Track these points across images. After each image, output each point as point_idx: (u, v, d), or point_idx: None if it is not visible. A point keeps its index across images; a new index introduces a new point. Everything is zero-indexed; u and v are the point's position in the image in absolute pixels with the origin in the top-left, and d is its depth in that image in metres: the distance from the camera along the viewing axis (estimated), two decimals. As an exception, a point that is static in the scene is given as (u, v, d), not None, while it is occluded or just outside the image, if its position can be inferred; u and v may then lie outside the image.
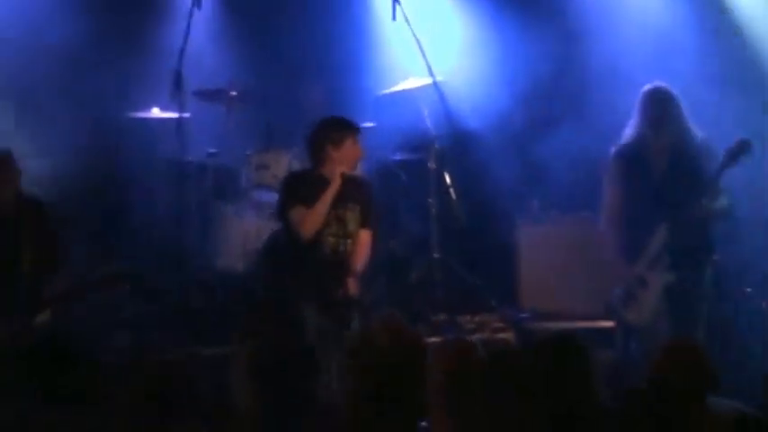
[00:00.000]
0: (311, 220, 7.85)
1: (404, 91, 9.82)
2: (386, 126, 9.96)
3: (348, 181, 7.98)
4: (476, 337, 8.20)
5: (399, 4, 9.36)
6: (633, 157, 7.90)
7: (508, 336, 8.74)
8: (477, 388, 4.52)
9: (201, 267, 9.50)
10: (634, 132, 7.91)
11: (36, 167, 8.44)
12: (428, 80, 9.46)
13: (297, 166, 9.26)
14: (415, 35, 9.32)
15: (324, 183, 7.88)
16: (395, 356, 4.34)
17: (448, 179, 9.37)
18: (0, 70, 9.77)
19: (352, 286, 7.94)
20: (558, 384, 4.54)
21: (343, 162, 7.90)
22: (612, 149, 7.99)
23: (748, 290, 9.12)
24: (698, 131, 7.84)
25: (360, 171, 9.12)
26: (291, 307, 5.70)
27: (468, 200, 9.49)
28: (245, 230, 9.43)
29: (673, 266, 7.71)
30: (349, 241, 7.98)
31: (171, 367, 4.77)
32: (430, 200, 9.51)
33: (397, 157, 9.99)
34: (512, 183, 9.82)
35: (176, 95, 9.19)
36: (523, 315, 9.22)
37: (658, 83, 7.94)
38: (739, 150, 7.55)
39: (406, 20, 9.32)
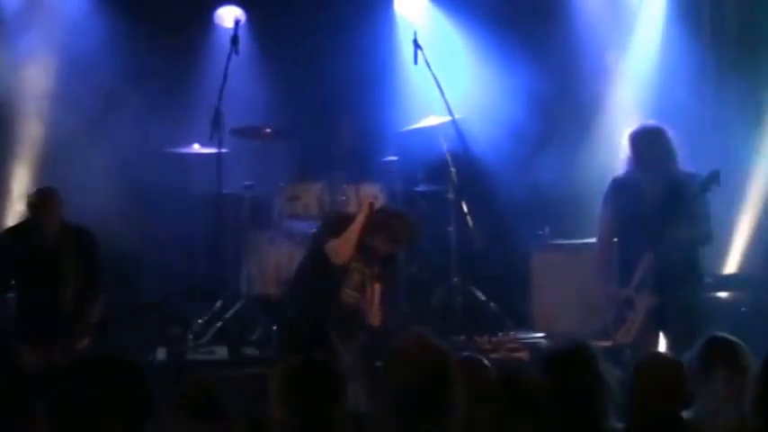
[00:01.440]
0: (347, 241, 8.07)
1: (425, 127, 9.85)
2: (408, 160, 10.07)
3: (378, 251, 8.18)
4: (492, 356, 7.81)
5: (421, 49, 9.38)
6: (625, 192, 7.88)
7: (523, 355, 8.65)
8: (487, 403, 4.49)
9: (237, 293, 9.57)
10: (626, 168, 7.89)
11: (82, 199, 8.63)
12: (447, 118, 9.47)
13: (326, 197, 9.44)
14: (435, 77, 9.35)
15: None
16: (425, 369, 4.31)
17: (465, 208, 9.38)
18: (56, 104, 10.00)
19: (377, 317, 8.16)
20: (567, 396, 4.51)
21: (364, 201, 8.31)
22: (610, 181, 8.01)
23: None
24: (685, 167, 7.79)
25: (384, 201, 9.37)
26: (321, 329, 5.74)
27: (485, 228, 9.45)
28: (278, 258, 9.54)
29: (656, 290, 7.72)
30: (356, 294, 8.18)
31: (208, 385, 4.84)
32: (450, 228, 9.61)
33: (419, 188, 10.05)
34: (525, 211, 9.88)
35: (215, 132, 9.20)
36: (537, 336, 9.24)
37: (648, 122, 7.97)
38: (710, 180, 7.54)
39: (427, 63, 9.35)
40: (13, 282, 7.92)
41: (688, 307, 7.71)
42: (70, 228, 7.89)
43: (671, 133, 7.85)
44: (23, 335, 7.58)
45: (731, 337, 5.16)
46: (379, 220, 8.20)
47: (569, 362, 4.69)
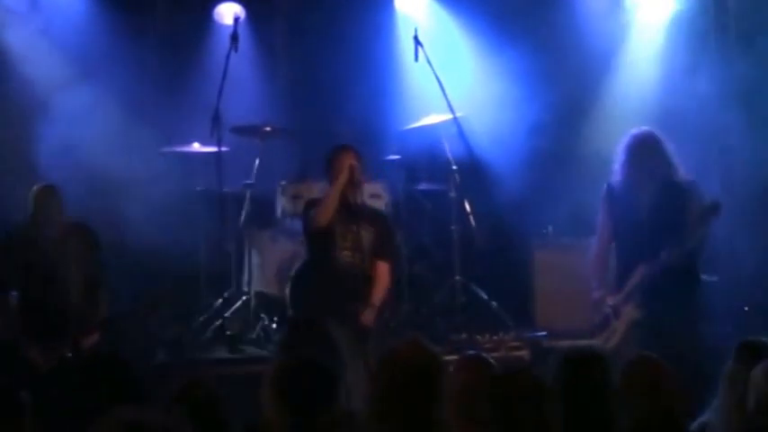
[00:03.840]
0: (324, 205, 8.10)
1: (426, 126, 9.81)
2: (410, 158, 10.07)
3: (366, 208, 8.17)
4: (493, 355, 8.11)
5: (422, 46, 9.34)
6: (619, 200, 7.87)
7: (524, 353, 8.66)
8: (489, 400, 4.42)
9: (238, 292, 9.55)
10: (621, 173, 7.84)
11: (83, 196, 8.63)
12: (449, 116, 9.42)
13: None
14: (436, 74, 9.29)
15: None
16: (415, 372, 4.33)
17: (468, 207, 9.34)
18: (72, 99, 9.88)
19: (369, 317, 8.01)
20: (576, 396, 4.49)
21: (344, 168, 8.16)
22: (605, 185, 7.98)
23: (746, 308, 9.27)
24: (684, 173, 7.77)
25: (387, 200, 9.29)
26: (321, 326, 5.67)
27: (487, 226, 9.44)
28: (279, 256, 9.51)
29: (641, 305, 7.73)
30: (358, 255, 8.09)
31: (204, 384, 4.84)
32: (452, 227, 9.57)
33: (422, 186, 10.03)
34: (528, 210, 9.82)
35: (215, 131, 9.16)
36: (538, 334, 9.23)
37: (645, 128, 7.87)
38: (710, 212, 7.55)
39: (428, 60, 9.30)
40: (15, 281, 7.84)
41: (671, 335, 7.55)
42: (72, 225, 7.85)
43: (667, 141, 7.79)
44: (29, 333, 7.56)
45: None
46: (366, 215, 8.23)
47: (587, 366, 4.63)
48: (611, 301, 7.86)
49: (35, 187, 7.91)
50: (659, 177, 7.73)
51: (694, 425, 4.95)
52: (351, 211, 8.17)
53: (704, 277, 8.88)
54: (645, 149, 7.74)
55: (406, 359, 4.39)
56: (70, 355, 7.42)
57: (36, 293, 7.70)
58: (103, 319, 7.82)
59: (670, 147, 7.76)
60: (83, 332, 7.64)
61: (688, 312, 7.77)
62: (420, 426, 4.26)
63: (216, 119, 9.17)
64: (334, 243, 8.16)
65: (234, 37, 9.33)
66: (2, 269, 7.75)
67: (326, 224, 8.14)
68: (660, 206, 7.72)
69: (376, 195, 9.22)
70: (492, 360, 4.90)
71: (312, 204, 8.32)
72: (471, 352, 5.37)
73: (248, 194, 9.67)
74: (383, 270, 8.16)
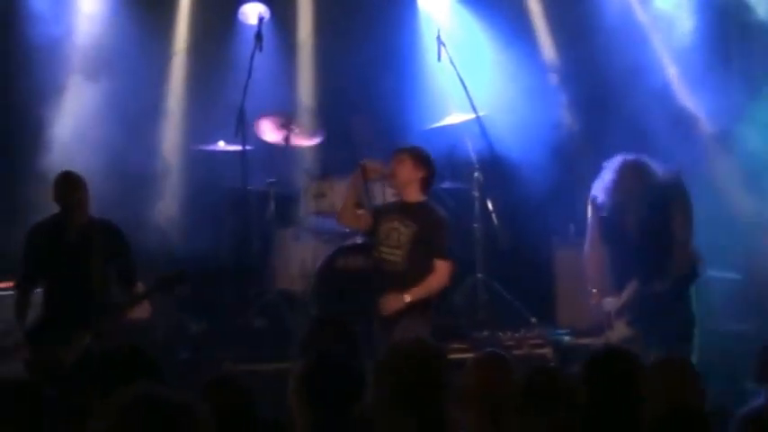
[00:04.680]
0: (342, 204, 8.27)
1: (449, 125, 9.82)
2: (434, 158, 10.09)
3: (412, 204, 8.02)
4: (515, 353, 8.12)
5: (444, 46, 9.39)
6: (608, 217, 7.85)
7: (546, 351, 8.65)
8: (508, 398, 4.42)
9: (262, 289, 9.56)
10: (608, 195, 7.80)
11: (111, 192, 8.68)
12: (471, 115, 9.44)
13: None
14: (458, 74, 9.34)
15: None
16: (418, 367, 4.32)
17: (490, 206, 9.35)
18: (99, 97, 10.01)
19: (389, 304, 7.83)
20: (603, 393, 4.45)
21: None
22: (590, 194, 7.97)
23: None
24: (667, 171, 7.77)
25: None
26: (346, 325, 5.65)
27: (510, 225, 9.46)
28: (303, 254, 9.55)
29: (632, 323, 7.72)
30: (398, 252, 7.93)
31: (231, 381, 4.80)
32: (475, 225, 9.51)
33: (445, 185, 9.88)
34: (550, 210, 9.79)
35: (240, 129, 9.28)
36: (560, 332, 9.20)
37: (631, 156, 7.81)
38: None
39: (451, 60, 9.36)
40: (41, 275, 7.82)
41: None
42: (96, 222, 7.81)
43: (653, 166, 7.76)
44: (54, 324, 7.55)
45: None
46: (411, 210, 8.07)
47: (614, 363, 4.59)
48: (607, 306, 7.85)
49: (59, 176, 7.81)
50: (644, 206, 7.72)
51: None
52: (399, 209, 8.07)
53: (724, 275, 8.97)
54: (634, 177, 7.71)
55: (410, 355, 4.36)
56: (91, 342, 7.38)
57: (61, 289, 7.69)
58: (128, 302, 7.73)
59: (657, 169, 7.75)
60: (106, 319, 7.55)
61: (673, 338, 7.65)
62: (427, 421, 4.24)
63: (241, 117, 9.27)
64: (373, 239, 8.09)
65: (258, 36, 9.44)
66: (27, 263, 7.76)
67: (347, 224, 8.39)
68: (647, 231, 7.71)
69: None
70: (511, 358, 4.88)
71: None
72: (489, 349, 5.32)
73: (272, 193, 9.68)
74: (437, 267, 7.94)
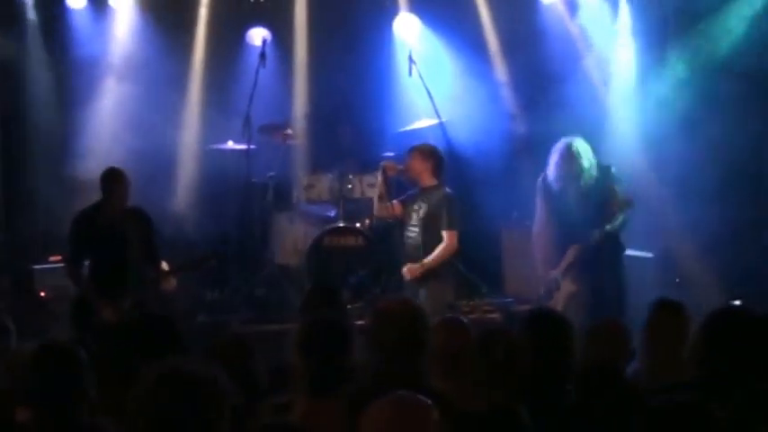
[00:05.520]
0: (376, 200, 8.48)
1: (417, 129, 9.80)
2: (404, 155, 9.96)
3: (427, 188, 8.16)
4: (470, 317, 7.73)
5: (415, 63, 9.38)
6: (553, 195, 7.87)
7: (495, 316, 8.74)
8: (467, 356, 4.48)
9: (263, 264, 9.55)
10: (554, 171, 7.81)
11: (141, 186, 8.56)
12: (436, 120, 9.44)
13: (336, 185, 9.40)
14: (426, 87, 9.33)
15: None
16: (404, 325, 4.28)
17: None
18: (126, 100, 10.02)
19: (410, 271, 8.00)
20: (541, 349, 4.45)
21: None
22: (541, 175, 7.97)
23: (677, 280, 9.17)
24: (605, 166, 7.79)
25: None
26: (335, 292, 5.71)
27: (465, 211, 9.29)
28: (296, 235, 9.54)
29: (576, 279, 7.75)
30: (415, 229, 8.07)
31: (236, 339, 4.84)
32: None
33: None
34: (498, 197, 9.71)
35: (246, 131, 9.26)
36: (507, 300, 9.24)
37: (570, 138, 7.81)
38: (626, 205, 7.62)
39: (420, 75, 9.35)
40: (86, 253, 7.80)
41: (601, 305, 7.57)
42: (131, 208, 7.83)
43: (592, 148, 7.79)
44: (100, 294, 7.55)
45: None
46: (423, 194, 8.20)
47: (550, 323, 4.64)
48: (552, 274, 7.86)
49: (106, 170, 7.80)
50: (583, 181, 7.73)
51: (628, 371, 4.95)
52: (419, 194, 8.20)
53: (640, 253, 8.97)
54: (573, 154, 7.71)
55: (397, 313, 4.33)
56: (130, 307, 7.43)
57: (104, 264, 7.71)
58: (169, 272, 7.80)
59: (592, 151, 7.78)
60: (141, 292, 7.62)
61: (614, 283, 7.78)
62: (409, 374, 4.19)
63: (247, 121, 9.26)
64: (401, 224, 8.24)
65: (262, 55, 9.46)
66: (75, 243, 7.76)
67: (382, 216, 8.48)
68: (586, 203, 7.72)
69: (372, 185, 9.18)
70: (467, 321, 4.85)
71: None
72: (449, 315, 5.28)
73: (271, 184, 9.66)
74: (445, 236, 8.06)
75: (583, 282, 7.76)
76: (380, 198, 8.38)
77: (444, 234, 8.07)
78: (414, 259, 8.05)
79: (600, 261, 7.72)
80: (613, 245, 7.82)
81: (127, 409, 3.04)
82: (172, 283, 7.85)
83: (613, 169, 7.83)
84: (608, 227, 7.65)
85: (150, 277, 7.72)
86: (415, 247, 8.10)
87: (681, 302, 5.07)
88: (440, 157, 8.26)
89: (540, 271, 8.04)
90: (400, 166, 8.34)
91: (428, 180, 8.20)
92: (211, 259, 7.97)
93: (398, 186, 8.62)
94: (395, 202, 8.34)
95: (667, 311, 4.98)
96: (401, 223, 8.30)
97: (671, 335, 4.85)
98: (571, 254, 7.78)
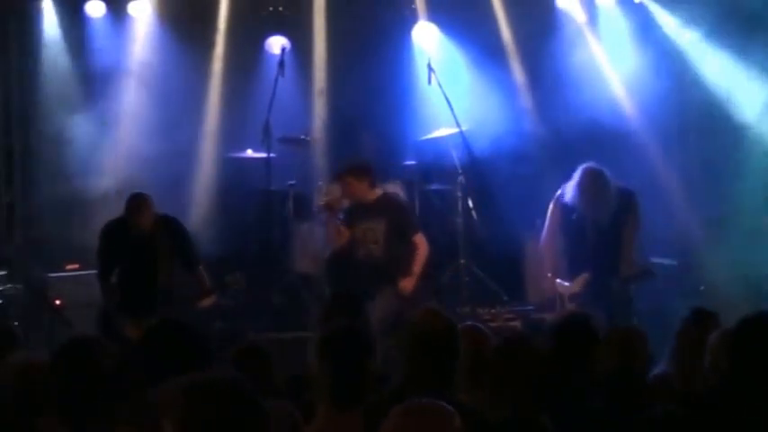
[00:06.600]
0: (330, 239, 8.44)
1: (437, 137, 9.81)
2: (424, 164, 10.06)
3: (373, 202, 8.14)
4: (491, 324, 8.01)
5: (434, 72, 9.37)
6: (571, 217, 7.88)
7: (516, 324, 8.73)
8: (487, 364, 4.46)
9: (282, 272, 9.57)
10: (573, 198, 7.82)
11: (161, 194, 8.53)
12: (455, 129, 9.42)
13: None
14: (445, 95, 9.30)
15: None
16: (436, 335, 4.28)
17: (471, 203, 9.31)
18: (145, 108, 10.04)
19: (406, 284, 8.00)
20: (565, 358, 4.48)
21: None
22: (558, 193, 8.00)
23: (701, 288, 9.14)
24: (627, 191, 7.80)
25: (404, 197, 9.24)
26: (354, 300, 5.67)
27: (487, 219, 9.41)
28: (315, 243, 9.51)
29: (582, 306, 7.63)
30: (376, 246, 8.08)
31: (255, 347, 4.83)
32: (458, 219, 9.45)
33: (433, 187, 9.99)
34: (521, 206, 9.59)
35: (265, 140, 9.28)
36: (528, 308, 9.20)
37: (593, 164, 7.82)
38: (642, 276, 7.74)
39: (439, 84, 9.33)
40: (114, 267, 7.76)
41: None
42: (160, 217, 7.70)
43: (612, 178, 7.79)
44: (124, 309, 7.49)
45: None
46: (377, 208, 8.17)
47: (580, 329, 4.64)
48: (560, 289, 7.88)
49: (131, 195, 7.71)
50: (603, 210, 7.75)
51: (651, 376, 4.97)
52: (367, 211, 8.15)
53: (663, 260, 8.94)
54: (594, 188, 7.74)
55: (428, 325, 4.33)
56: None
57: (132, 278, 7.66)
58: (195, 296, 7.73)
59: (614, 181, 7.78)
60: (201, 297, 7.64)
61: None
62: (445, 383, 4.21)
63: (266, 130, 9.26)
64: (356, 243, 8.18)
65: (281, 64, 9.46)
66: (105, 257, 7.70)
67: (338, 246, 8.33)
68: (604, 233, 7.76)
69: (395, 193, 9.13)
70: (488, 329, 4.89)
71: None
72: (470, 322, 5.28)
73: (291, 193, 9.65)
74: (416, 242, 8.11)
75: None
76: (338, 233, 8.24)
77: (415, 238, 8.15)
78: (380, 277, 8.01)
79: (607, 307, 7.60)
80: (624, 297, 7.81)
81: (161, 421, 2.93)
82: (211, 300, 7.80)
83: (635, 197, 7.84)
84: (625, 274, 7.71)
85: (186, 295, 7.67)
86: (379, 264, 8.08)
87: (715, 312, 5.23)
88: (368, 167, 8.29)
89: (548, 280, 8.08)
90: (339, 194, 8.38)
91: (370, 195, 8.21)
92: (242, 282, 7.93)
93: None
94: (341, 228, 8.31)
95: (703, 321, 5.12)
96: (354, 244, 8.24)
97: (704, 344, 4.87)
98: (579, 284, 7.83)
